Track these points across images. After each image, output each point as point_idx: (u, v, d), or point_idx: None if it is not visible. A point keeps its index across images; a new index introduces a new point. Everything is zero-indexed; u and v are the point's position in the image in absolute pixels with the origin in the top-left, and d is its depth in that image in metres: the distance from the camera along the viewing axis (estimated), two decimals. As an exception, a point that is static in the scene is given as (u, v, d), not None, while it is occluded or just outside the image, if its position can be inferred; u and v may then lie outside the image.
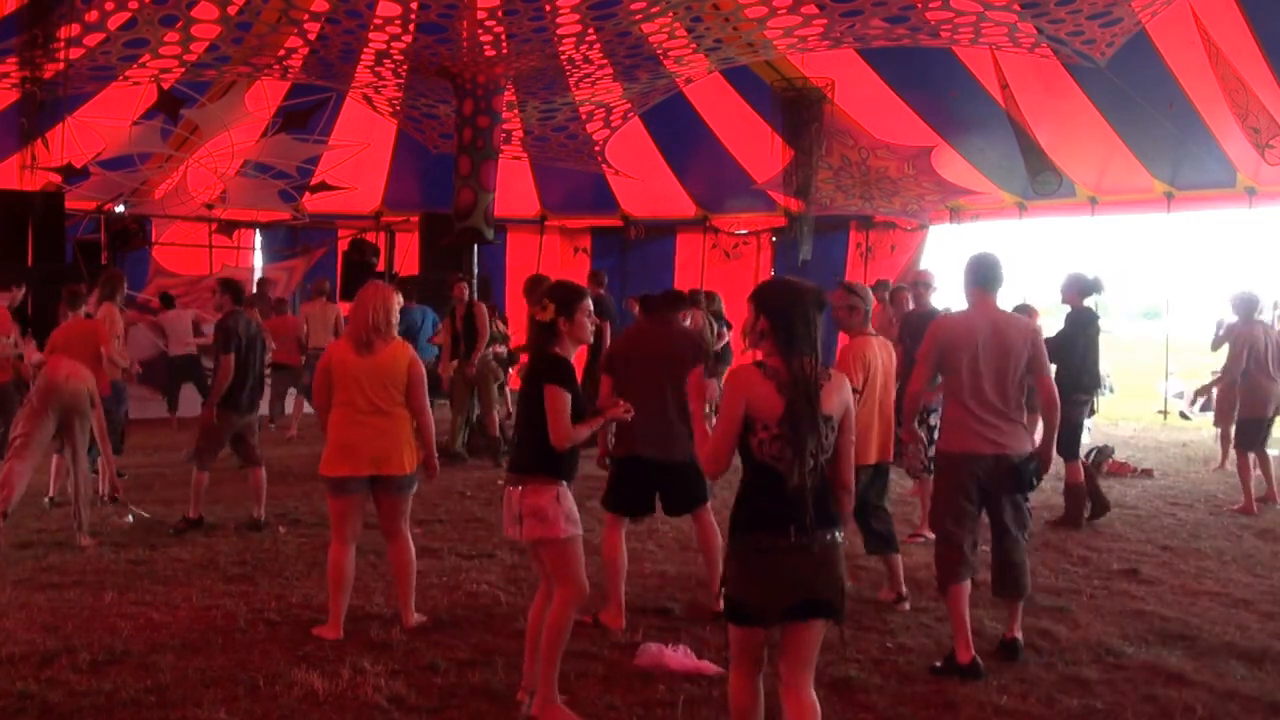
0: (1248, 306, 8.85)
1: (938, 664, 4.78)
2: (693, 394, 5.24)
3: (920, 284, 8.14)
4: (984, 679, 4.60)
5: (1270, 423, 8.94)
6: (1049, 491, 8.18)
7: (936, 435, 7.34)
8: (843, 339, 5.99)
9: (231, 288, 7.86)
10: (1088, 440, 9.33)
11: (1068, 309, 8.21)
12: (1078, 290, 8.00)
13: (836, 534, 3.23)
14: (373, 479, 5.15)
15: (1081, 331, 7.95)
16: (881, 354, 5.74)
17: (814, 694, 3.29)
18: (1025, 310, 9.19)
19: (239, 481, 8.04)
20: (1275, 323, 13.29)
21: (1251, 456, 8.73)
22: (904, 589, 5.81)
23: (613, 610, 5.32)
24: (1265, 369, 8.67)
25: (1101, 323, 8.37)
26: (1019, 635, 4.94)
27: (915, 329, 7.01)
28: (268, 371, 9.37)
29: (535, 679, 4.15)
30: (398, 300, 5.27)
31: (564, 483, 4.15)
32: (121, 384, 8.80)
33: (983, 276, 4.93)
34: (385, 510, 5.26)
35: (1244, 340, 8.72)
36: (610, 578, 5.36)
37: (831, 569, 3.21)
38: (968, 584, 4.85)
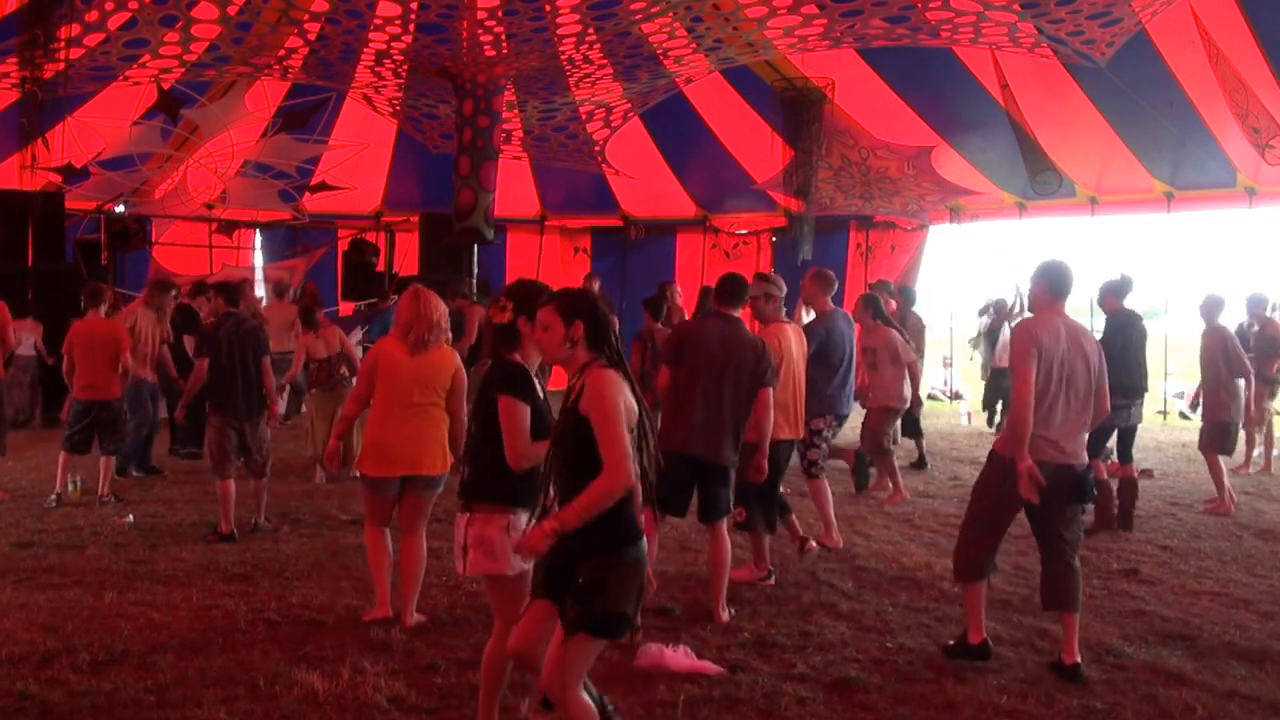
0: (1213, 310, 8.87)
1: (951, 642, 4.90)
2: (761, 411, 5.39)
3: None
4: (990, 660, 4.72)
5: (1237, 426, 8.96)
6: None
7: (829, 436, 7.33)
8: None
9: (225, 290, 7.76)
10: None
11: (1106, 315, 8.16)
12: (1113, 294, 7.97)
13: None
14: (404, 477, 5.24)
15: (1120, 333, 7.84)
16: (794, 340, 6.18)
17: None
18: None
19: (244, 482, 8.01)
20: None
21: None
22: (770, 565, 6.14)
23: None
24: (1230, 372, 8.70)
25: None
26: (1079, 659, 4.74)
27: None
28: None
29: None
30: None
31: (518, 510, 3.71)
32: (140, 386, 8.87)
33: (1059, 286, 4.85)
34: (409, 506, 5.35)
35: (1212, 344, 8.75)
36: None
37: None
38: (985, 583, 4.98)
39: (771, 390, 5.61)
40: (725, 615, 5.44)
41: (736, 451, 5.54)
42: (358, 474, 5.61)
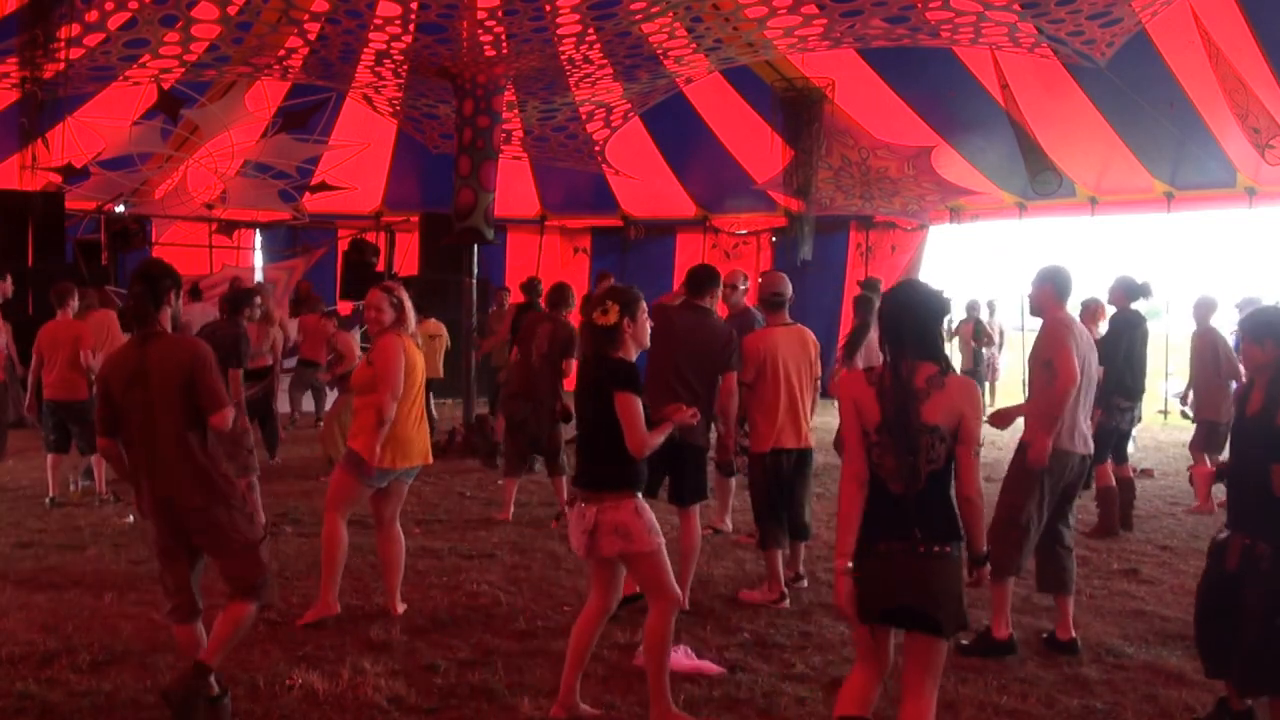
0: (1205, 311, 8.89)
1: (964, 642, 4.90)
2: (725, 396, 5.37)
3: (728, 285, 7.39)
4: (1017, 655, 4.87)
5: (1227, 426, 8.94)
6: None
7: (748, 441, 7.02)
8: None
9: (230, 301, 7.76)
10: (1133, 450, 8.78)
11: (1114, 310, 8.16)
12: (1125, 293, 7.98)
13: (947, 547, 3.16)
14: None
15: (1125, 334, 7.84)
16: (785, 342, 5.85)
17: (930, 706, 3.22)
18: (1093, 305, 9.17)
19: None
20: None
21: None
22: (784, 588, 5.81)
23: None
24: (1221, 373, 8.70)
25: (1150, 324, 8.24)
26: (1075, 634, 5.09)
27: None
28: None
29: (572, 694, 4.14)
30: None
31: (638, 492, 4.05)
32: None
33: (1067, 289, 5.20)
34: (395, 497, 5.50)
35: (1203, 345, 8.76)
36: None
37: (930, 580, 3.15)
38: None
39: (736, 376, 5.66)
40: (687, 605, 5.51)
41: (709, 433, 5.70)
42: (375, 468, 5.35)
